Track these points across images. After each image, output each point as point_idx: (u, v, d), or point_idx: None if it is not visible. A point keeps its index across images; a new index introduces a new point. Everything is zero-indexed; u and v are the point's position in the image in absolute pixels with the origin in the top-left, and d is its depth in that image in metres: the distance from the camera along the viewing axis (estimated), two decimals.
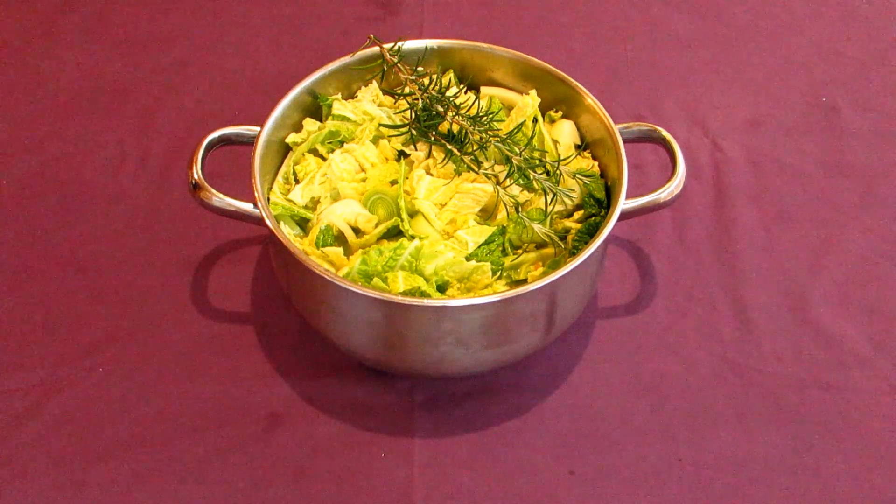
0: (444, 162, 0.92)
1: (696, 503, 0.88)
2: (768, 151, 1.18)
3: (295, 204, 0.93)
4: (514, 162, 0.90)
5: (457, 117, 0.92)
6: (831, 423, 0.93)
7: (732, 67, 1.29)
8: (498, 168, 0.92)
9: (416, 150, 0.95)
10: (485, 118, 0.92)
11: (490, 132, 0.92)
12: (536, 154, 0.93)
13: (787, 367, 0.97)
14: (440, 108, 0.92)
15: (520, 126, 0.94)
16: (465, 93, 1.02)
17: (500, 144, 0.91)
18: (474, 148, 0.91)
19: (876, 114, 1.23)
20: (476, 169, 0.91)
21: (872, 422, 0.93)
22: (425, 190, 0.91)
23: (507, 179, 0.90)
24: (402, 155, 0.95)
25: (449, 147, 0.92)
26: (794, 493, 0.88)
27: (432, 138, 0.93)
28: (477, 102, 0.95)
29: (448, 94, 0.95)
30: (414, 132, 0.93)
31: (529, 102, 0.97)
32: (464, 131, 0.92)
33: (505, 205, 0.90)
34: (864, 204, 1.12)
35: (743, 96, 1.25)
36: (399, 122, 0.97)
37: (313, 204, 0.94)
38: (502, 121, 0.98)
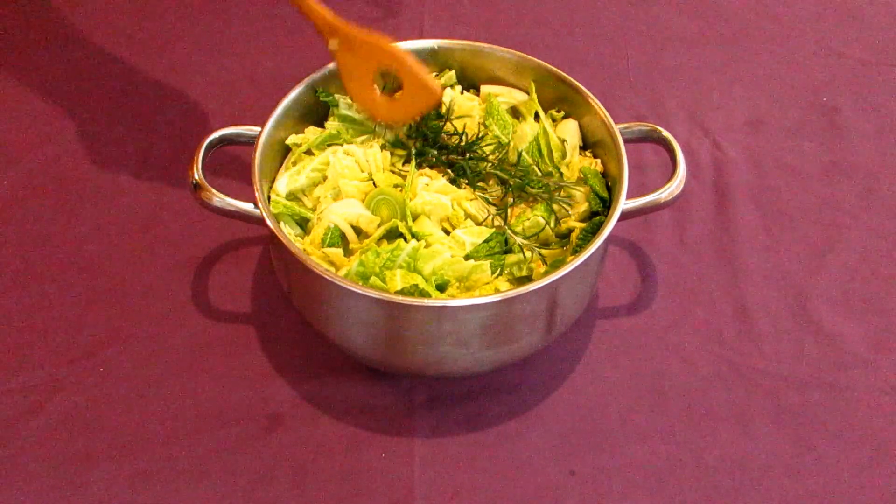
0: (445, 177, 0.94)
1: (696, 503, 0.88)
2: (768, 151, 1.18)
3: (279, 195, 0.93)
4: (512, 184, 0.92)
5: (449, 154, 0.93)
6: (831, 423, 0.93)
7: (732, 67, 1.29)
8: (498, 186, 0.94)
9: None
10: (475, 146, 0.94)
11: (480, 159, 0.93)
12: (534, 168, 0.93)
13: (788, 367, 0.97)
14: (433, 151, 0.94)
15: (506, 151, 0.95)
16: (463, 92, 1.02)
17: (495, 171, 0.93)
18: (470, 176, 0.93)
19: (876, 114, 1.23)
20: (475, 191, 0.92)
21: (872, 422, 0.93)
22: (435, 186, 0.91)
23: (508, 198, 0.92)
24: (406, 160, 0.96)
25: (451, 174, 0.93)
26: (795, 493, 0.88)
27: (433, 160, 0.94)
28: (464, 134, 0.95)
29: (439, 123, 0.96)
30: (415, 158, 0.94)
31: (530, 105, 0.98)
32: (458, 165, 0.93)
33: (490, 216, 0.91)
34: (864, 204, 1.12)
35: (743, 96, 1.25)
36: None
37: (293, 196, 0.94)
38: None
